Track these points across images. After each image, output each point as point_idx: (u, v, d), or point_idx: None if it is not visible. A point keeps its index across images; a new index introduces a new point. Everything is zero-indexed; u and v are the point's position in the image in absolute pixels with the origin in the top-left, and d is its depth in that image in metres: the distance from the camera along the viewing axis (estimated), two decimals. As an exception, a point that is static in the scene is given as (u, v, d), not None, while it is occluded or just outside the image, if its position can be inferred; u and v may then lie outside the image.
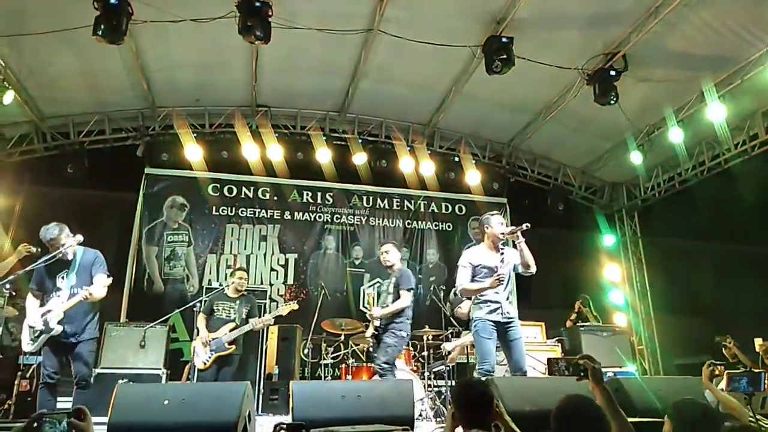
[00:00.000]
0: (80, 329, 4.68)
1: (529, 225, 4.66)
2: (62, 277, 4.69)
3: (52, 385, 4.60)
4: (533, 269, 4.81)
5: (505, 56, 6.35)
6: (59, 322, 4.57)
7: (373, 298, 6.05)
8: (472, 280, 4.82)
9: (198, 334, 6.05)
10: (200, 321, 6.13)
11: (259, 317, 6.30)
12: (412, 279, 5.86)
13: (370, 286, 9.27)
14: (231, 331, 6.00)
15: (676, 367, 9.27)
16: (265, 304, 7.39)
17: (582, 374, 2.79)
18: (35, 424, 1.95)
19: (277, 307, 6.90)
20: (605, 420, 2.27)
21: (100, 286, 4.65)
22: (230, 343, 5.97)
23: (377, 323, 5.71)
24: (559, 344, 7.64)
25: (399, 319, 5.61)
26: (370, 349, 6.10)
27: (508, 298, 4.80)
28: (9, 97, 6.76)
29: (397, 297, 5.66)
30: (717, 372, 3.37)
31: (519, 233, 4.67)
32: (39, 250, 4.95)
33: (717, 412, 2.79)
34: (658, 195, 9.78)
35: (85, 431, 2.02)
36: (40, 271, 4.70)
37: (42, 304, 4.68)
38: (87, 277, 4.72)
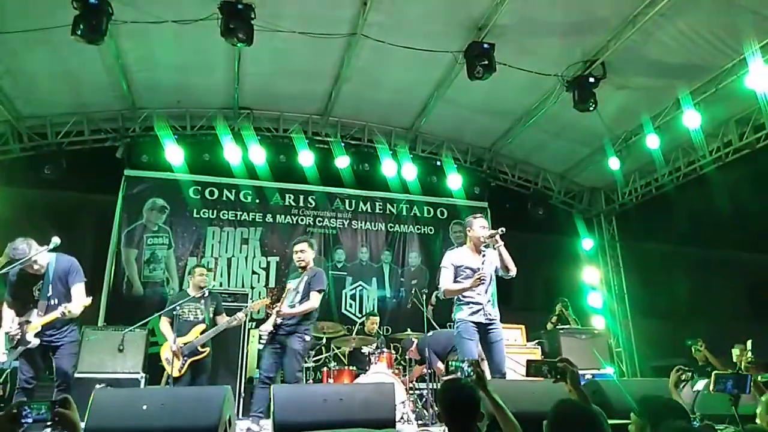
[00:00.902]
0: (60, 332, 4.63)
1: (504, 229, 4.75)
2: (38, 289, 4.60)
3: (29, 390, 4.53)
4: (513, 272, 4.89)
5: (486, 62, 6.43)
6: (36, 335, 4.50)
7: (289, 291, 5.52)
8: (455, 281, 4.88)
9: (165, 340, 5.89)
10: (165, 326, 5.94)
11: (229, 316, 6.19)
12: (326, 280, 5.64)
13: (352, 290, 9.29)
14: (202, 333, 5.90)
15: (652, 369, 9.43)
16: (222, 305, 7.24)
17: (558, 377, 2.83)
18: (15, 411, 1.91)
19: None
20: (605, 427, 2.21)
21: (79, 304, 4.57)
22: (203, 346, 5.88)
23: (278, 321, 5.38)
24: (539, 347, 7.75)
25: (308, 321, 5.43)
26: (259, 347, 5.53)
27: (489, 300, 4.86)
28: (-16, 96, 6.64)
29: (306, 298, 5.41)
30: (684, 378, 3.45)
31: (497, 237, 4.75)
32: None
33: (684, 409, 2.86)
34: (636, 200, 9.97)
35: (71, 419, 1.98)
36: (12, 282, 4.60)
37: (19, 314, 4.59)
38: (63, 287, 4.64)
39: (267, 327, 5.46)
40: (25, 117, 8.03)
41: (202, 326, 5.94)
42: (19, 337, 4.47)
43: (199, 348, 5.85)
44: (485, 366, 4.96)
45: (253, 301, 6.34)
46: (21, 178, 8.07)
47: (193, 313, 6.02)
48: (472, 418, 2.59)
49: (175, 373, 5.71)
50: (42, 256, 4.54)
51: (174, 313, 5.97)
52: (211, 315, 6.08)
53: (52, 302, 4.57)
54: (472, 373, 2.76)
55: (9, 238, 5.29)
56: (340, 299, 9.15)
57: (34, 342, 4.48)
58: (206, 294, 6.16)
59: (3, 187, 7.97)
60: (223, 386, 4.16)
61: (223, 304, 6.50)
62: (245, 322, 6.92)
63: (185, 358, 5.79)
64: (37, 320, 4.50)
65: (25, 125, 8.11)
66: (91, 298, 4.73)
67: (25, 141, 8.20)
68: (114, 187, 8.59)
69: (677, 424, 2.20)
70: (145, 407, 3.79)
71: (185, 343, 5.82)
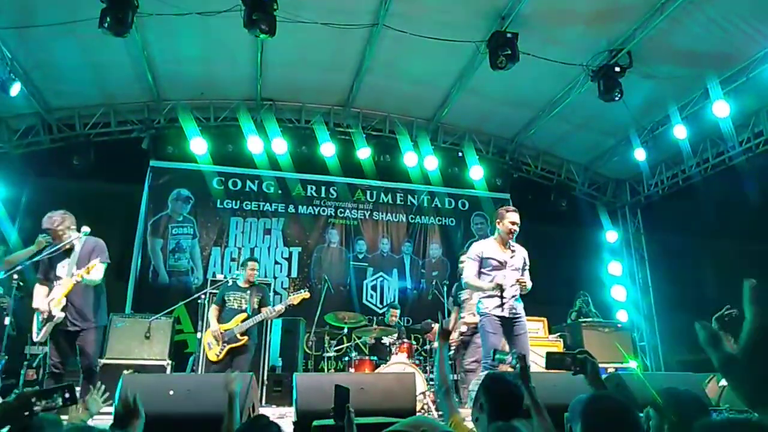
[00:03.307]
0: (87, 317, 4.70)
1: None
2: (63, 266, 4.72)
3: (58, 375, 4.64)
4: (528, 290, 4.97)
5: (509, 52, 6.36)
6: (62, 309, 4.56)
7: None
8: (480, 273, 4.87)
9: (209, 327, 6.08)
10: (212, 313, 6.17)
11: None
12: None
13: (373, 281, 9.33)
14: (242, 321, 6.02)
15: (678, 364, 9.28)
16: (270, 296, 7.44)
17: (578, 369, 2.79)
18: (26, 400, 1.95)
19: (288, 296, 6.94)
20: (640, 423, 2.12)
21: (90, 268, 4.54)
22: (242, 334, 5.99)
23: (464, 329, 5.98)
24: (561, 339, 7.69)
25: None
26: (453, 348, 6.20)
27: (514, 295, 4.84)
28: (16, 89, 6.80)
29: None
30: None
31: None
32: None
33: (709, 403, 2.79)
34: (662, 192, 9.78)
35: (136, 412, 2.12)
36: (45, 262, 4.74)
37: (49, 294, 4.70)
38: (85, 266, 4.74)
39: (458, 335, 6.15)
40: (54, 109, 8.22)
41: (243, 315, 6.07)
42: (46, 315, 4.56)
43: (238, 336, 5.96)
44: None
45: (293, 295, 6.42)
46: (51, 168, 8.27)
47: (238, 301, 6.18)
48: (515, 410, 2.55)
49: (213, 358, 5.92)
50: (74, 236, 4.71)
51: (224, 299, 6.20)
52: (255, 306, 6.19)
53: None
54: (517, 365, 2.72)
55: (40, 227, 5.45)
56: (361, 290, 9.21)
57: (60, 316, 4.54)
58: (254, 284, 6.33)
59: (34, 178, 8.18)
60: (247, 373, 4.24)
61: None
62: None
63: (224, 344, 5.93)
64: (58, 293, 4.58)
65: (55, 117, 8.31)
66: (108, 262, 4.78)
67: (55, 132, 8.41)
68: (140, 177, 8.75)
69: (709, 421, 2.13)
70: (171, 393, 3.89)
71: (225, 330, 5.97)
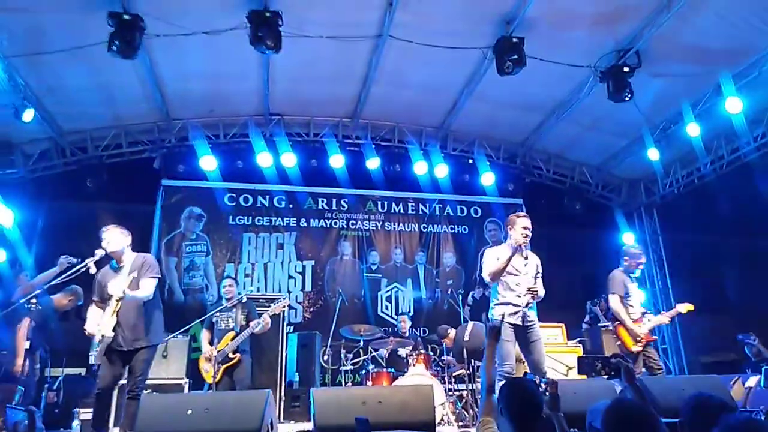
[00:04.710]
0: (139, 336, 4.56)
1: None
2: (113, 284, 4.56)
3: (105, 396, 4.53)
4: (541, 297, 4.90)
5: (516, 56, 6.34)
6: (113, 329, 4.42)
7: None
8: (497, 280, 4.81)
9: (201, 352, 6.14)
10: (203, 337, 6.26)
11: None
12: None
13: (387, 292, 9.28)
14: (232, 340, 6.06)
15: (701, 366, 9.10)
16: (255, 310, 7.29)
17: (612, 373, 2.75)
18: None
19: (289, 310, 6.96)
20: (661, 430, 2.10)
21: (141, 291, 4.55)
22: (234, 352, 6.03)
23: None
24: (581, 345, 7.57)
25: None
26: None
27: (529, 303, 4.77)
28: (29, 115, 6.90)
29: None
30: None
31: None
32: (79, 260, 4.90)
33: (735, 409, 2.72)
34: (677, 191, 9.65)
35: None
36: (99, 282, 4.67)
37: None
38: (135, 284, 4.60)
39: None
40: (66, 133, 8.33)
41: (232, 333, 6.13)
42: (99, 337, 4.40)
43: (230, 354, 6.02)
44: (525, 366, 4.89)
45: (274, 304, 6.44)
46: (65, 192, 8.36)
47: (225, 321, 6.26)
48: (535, 417, 2.51)
49: (211, 380, 5.92)
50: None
51: (212, 321, 6.28)
52: (243, 322, 6.24)
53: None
54: (546, 391, 2.66)
55: (56, 250, 5.49)
56: (376, 301, 9.16)
57: (109, 335, 4.39)
58: (240, 302, 6.36)
59: (49, 202, 8.27)
60: (265, 390, 4.21)
61: (263, 308, 6.62)
62: (282, 326, 7.05)
63: (219, 365, 5.97)
64: (108, 312, 4.46)
65: (67, 141, 8.42)
66: (157, 278, 4.71)
67: (68, 155, 8.51)
68: (152, 197, 8.82)
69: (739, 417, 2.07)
70: (190, 412, 3.88)
71: (218, 351, 6.01)
